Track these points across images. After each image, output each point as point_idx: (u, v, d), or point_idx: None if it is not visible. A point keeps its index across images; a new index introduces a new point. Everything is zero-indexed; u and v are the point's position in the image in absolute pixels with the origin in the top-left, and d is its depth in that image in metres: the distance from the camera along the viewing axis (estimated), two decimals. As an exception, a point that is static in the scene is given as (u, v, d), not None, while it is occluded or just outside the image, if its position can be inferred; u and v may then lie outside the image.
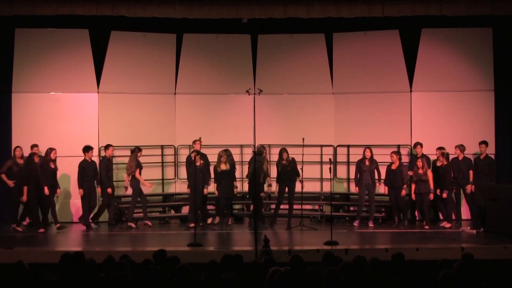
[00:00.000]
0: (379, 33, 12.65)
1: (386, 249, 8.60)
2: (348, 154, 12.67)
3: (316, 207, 12.55)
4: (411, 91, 12.53)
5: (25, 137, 11.97)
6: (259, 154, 11.17)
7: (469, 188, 11.48)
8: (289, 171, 11.25)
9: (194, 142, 11.38)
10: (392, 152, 11.61)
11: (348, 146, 12.49)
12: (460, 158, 11.58)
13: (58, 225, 11.09)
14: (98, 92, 12.38)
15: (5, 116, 12.16)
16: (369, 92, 12.66)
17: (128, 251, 7.91)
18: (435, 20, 11.90)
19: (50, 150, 11.17)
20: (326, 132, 12.79)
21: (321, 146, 12.66)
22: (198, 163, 11.01)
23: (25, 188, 10.81)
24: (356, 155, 12.25)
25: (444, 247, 9.36)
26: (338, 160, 12.72)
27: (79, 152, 11.38)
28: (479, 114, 12.39)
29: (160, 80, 12.77)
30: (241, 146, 12.57)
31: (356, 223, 11.45)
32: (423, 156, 11.49)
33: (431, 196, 11.18)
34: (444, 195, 11.30)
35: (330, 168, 10.78)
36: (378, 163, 11.56)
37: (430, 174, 11.16)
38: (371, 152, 11.46)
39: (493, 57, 12.37)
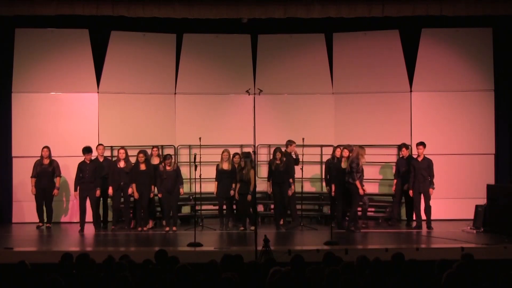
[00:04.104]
0: (379, 33, 12.64)
1: (386, 249, 8.58)
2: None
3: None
4: (411, 91, 12.52)
5: (25, 137, 11.99)
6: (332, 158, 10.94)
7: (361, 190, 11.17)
8: (281, 172, 11.17)
9: (291, 143, 11.29)
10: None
11: (348, 146, 12.46)
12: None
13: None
14: (98, 92, 12.39)
15: (5, 116, 12.16)
16: (369, 92, 12.66)
17: (128, 251, 7.92)
18: (435, 20, 11.91)
19: (118, 149, 11.20)
20: (326, 132, 12.78)
21: (321, 146, 12.64)
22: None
23: (134, 186, 10.94)
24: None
25: (444, 247, 9.35)
26: (338, 160, 12.69)
27: (79, 152, 11.34)
28: (479, 114, 12.38)
29: (160, 80, 12.76)
30: (241, 146, 12.56)
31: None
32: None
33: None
34: (290, 193, 11.22)
35: (330, 168, 10.76)
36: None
37: (252, 173, 10.95)
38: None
39: (493, 57, 12.37)
